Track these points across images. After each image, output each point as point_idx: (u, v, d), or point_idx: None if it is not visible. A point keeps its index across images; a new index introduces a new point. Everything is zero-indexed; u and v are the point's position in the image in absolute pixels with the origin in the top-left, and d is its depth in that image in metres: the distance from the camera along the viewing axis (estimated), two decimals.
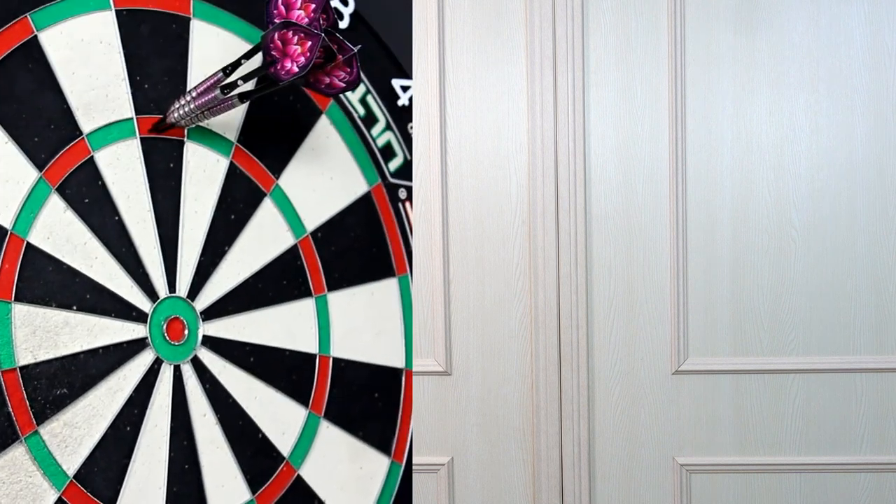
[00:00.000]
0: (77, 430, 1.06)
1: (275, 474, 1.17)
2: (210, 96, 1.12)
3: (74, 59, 1.11)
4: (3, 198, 1.05)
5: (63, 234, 1.08)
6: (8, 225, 1.05)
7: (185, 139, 1.16)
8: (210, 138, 1.18)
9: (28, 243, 1.06)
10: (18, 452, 1.04)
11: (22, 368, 1.04)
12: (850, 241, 1.59)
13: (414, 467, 1.66)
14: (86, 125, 1.11)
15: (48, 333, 1.06)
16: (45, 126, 1.09)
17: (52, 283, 1.06)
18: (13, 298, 1.05)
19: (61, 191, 1.08)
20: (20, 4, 1.10)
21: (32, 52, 1.09)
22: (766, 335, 1.61)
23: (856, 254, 1.59)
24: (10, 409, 1.03)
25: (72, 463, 1.06)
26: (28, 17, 1.09)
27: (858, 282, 1.59)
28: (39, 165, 1.07)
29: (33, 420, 1.04)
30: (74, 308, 1.07)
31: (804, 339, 1.60)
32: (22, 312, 1.05)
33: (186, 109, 1.13)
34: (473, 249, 1.62)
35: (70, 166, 1.09)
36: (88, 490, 1.06)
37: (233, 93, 1.12)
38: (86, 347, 1.07)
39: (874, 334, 1.60)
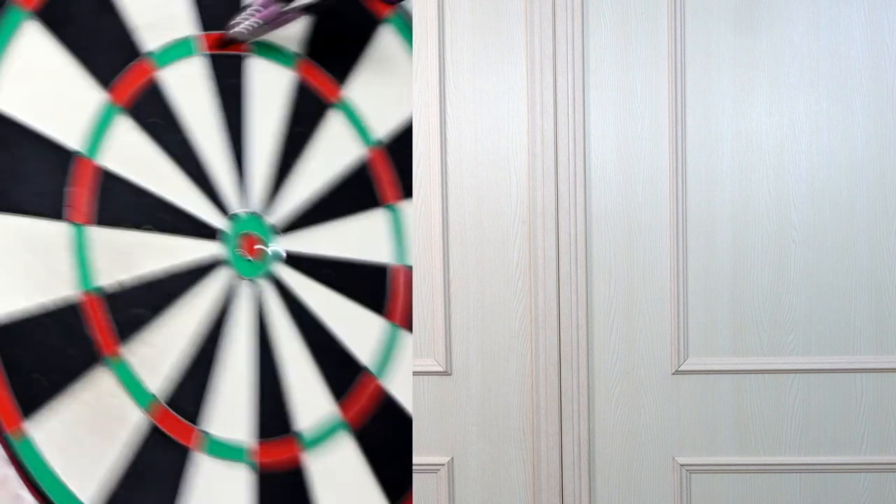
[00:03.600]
0: (158, 349, 1.06)
1: (358, 385, 1.16)
2: (272, 9, 1.11)
3: None
4: (70, 121, 1.04)
5: (132, 155, 1.06)
6: (78, 147, 1.04)
7: (249, 54, 1.15)
8: (273, 52, 1.16)
9: (98, 165, 1.05)
10: (103, 373, 1.04)
11: (100, 290, 1.04)
12: (850, 241, 1.59)
13: (414, 467, 1.66)
14: (149, 44, 1.10)
15: (123, 254, 1.05)
16: (108, 47, 1.07)
17: (125, 205, 1.06)
18: (88, 221, 1.04)
19: (127, 111, 1.07)
20: None
21: None
22: (766, 335, 1.61)
23: (856, 254, 1.59)
24: (92, 331, 1.04)
25: (155, 382, 1.06)
26: None
27: (858, 282, 1.59)
28: (105, 87, 1.06)
29: (116, 341, 1.04)
30: (149, 228, 1.06)
31: (804, 339, 1.60)
32: (97, 234, 1.04)
33: (248, 24, 1.11)
34: (473, 250, 1.62)
35: (134, 86, 1.07)
36: (173, 408, 1.06)
37: (293, 4, 1.11)
38: (163, 266, 1.06)
39: (874, 334, 1.60)
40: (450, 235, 1.62)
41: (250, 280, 1.12)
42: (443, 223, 1.61)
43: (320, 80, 1.18)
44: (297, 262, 1.14)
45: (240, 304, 1.11)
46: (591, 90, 1.59)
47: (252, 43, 1.15)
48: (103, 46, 1.08)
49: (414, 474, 1.66)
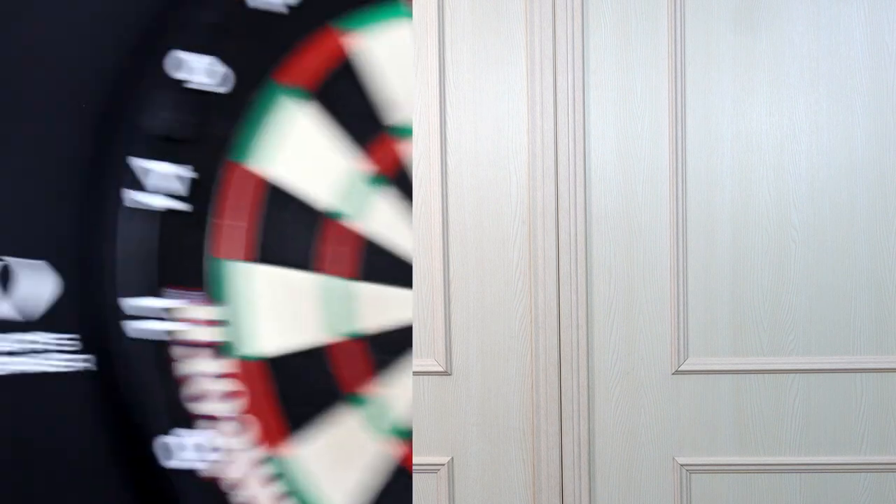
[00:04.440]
0: (396, 389, 1.15)
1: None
2: None
3: None
4: (332, 186, 1.13)
5: (390, 221, 1.14)
6: (347, 209, 1.13)
7: None
8: None
9: (363, 231, 1.14)
10: (347, 409, 1.13)
11: (354, 335, 1.13)
12: (850, 241, 1.59)
13: (414, 467, 1.66)
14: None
15: (377, 307, 1.14)
16: (362, 121, 1.16)
17: (382, 265, 1.14)
18: (347, 275, 1.13)
19: (391, 180, 1.14)
20: None
21: None
22: (766, 335, 1.61)
23: (856, 254, 1.59)
24: (340, 370, 1.12)
25: (393, 418, 1.15)
26: None
27: (858, 282, 1.59)
28: (368, 157, 1.14)
29: (365, 379, 1.13)
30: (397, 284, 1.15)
31: (804, 339, 1.60)
32: (353, 288, 1.13)
33: None
34: (473, 250, 1.62)
35: (394, 157, 1.16)
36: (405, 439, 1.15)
37: None
38: (402, 320, 1.16)
39: (874, 334, 1.60)
40: (450, 235, 1.62)
41: None
42: (443, 223, 1.61)
43: None
44: None
45: None
46: (591, 90, 1.59)
47: None
48: (362, 121, 1.16)
49: (414, 474, 1.66)
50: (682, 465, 1.63)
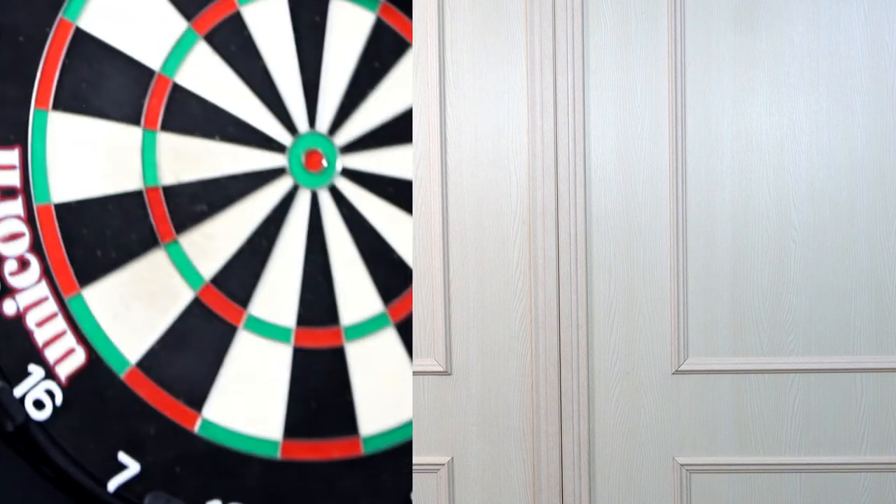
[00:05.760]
0: (214, 240, 1.22)
1: (407, 290, 1.25)
2: None
3: None
4: (154, 45, 1.21)
5: (209, 76, 1.22)
6: (156, 67, 1.21)
7: None
8: None
9: (174, 83, 1.21)
10: (159, 255, 1.21)
11: (165, 188, 1.21)
12: (850, 241, 1.59)
13: (414, 467, 1.66)
14: None
15: (191, 159, 1.22)
16: None
17: (196, 117, 1.22)
18: (159, 128, 1.21)
19: (209, 39, 1.22)
20: None
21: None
22: (766, 335, 1.61)
23: (856, 254, 1.59)
24: (152, 221, 1.21)
25: (209, 268, 1.22)
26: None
27: (858, 282, 1.59)
28: (188, 16, 1.21)
29: (173, 230, 1.22)
30: (217, 137, 1.22)
31: (804, 339, 1.60)
32: (167, 140, 1.21)
33: None
34: (473, 250, 1.62)
35: (217, 18, 1.22)
36: (222, 290, 1.22)
37: None
38: (226, 173, 1.22)
39: (874, 334, 1.60)
40: (450, 235, 1.62)
41: (311, 189, 1.24)
42: (443, 223, 1.61)
43: (402, 24, 1.29)
44: (361, 178, 1.26)
45: (298, 209, 1.24)
46: (591, 90, 1.59)
47: None
48: None
49: (414, 474, 1.66)
50: (682, 465, 1.63)
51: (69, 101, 1.21)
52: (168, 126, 1.22)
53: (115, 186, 1.21)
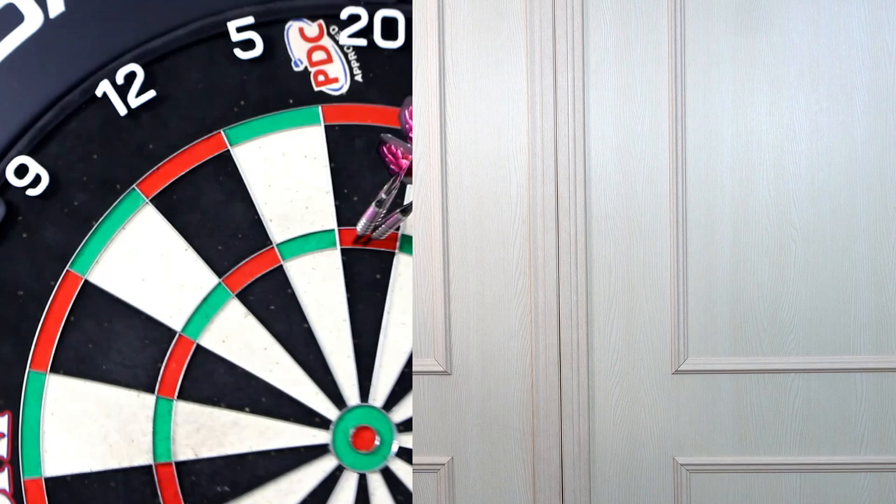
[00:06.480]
0: None
1: None
2: (370, 212, 1.12)
3: (271, 171, 1.12)
4: (178, 302, 1.08)
5: (241, 339, 1.09)
6: (178, 328, 1.08)
7: (398, 251, 1.14)
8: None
9: (198, 345, 1.08)
10: None
11: (179, 464, 1.07)
12: (850, 241, 1.59)
13: (414, 467, 1.66)
14: (278, 235, 1.11)
15: (213, 432, 1.07)
16: (231, 235, 1.10)
17: (222, 385, 1.08)
18: (176, 396, 1.07)
19: (242, 297, 1.10)
20: (216, 121, 1.13)
21: (226, 166, 1.12)
22: (766, 335, 1.61)
23: (856, 253, 1.59)
24: (162, 501, 1.06)
25: None
26: (222, 132, 1.13)
27: (858, 282, 1.59)
28: (220, 272, 1.10)
29: None
30: (246, 409, 1.08)
31: (804, 339, 1.60)
32: (186, 410, 1.07)
33: (375, 223, 1.12)
34: (473, 249, 1.62)
35: (255, 274, 1.10)
36: None
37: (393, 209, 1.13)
38: (255, 448, 1.07)
39: (874, 334, 1.60)
40: (450, 235, 1.62)
41: (359, 472, 1.08)
42: (443, 223, 1.61)
43: None
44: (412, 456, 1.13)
45: (342, 495, 1.08)
46: (591, 90, 1.59)
47: (403, 241, 1.14)
48: (227, 234, 1.11)
49: (414, 474, 1.66)
50: (682, 465, 1.63)
51: (71, 363, 1.08)
52: (187, 394, 1.07)
53: (119, 460, 1.06)
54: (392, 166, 1.10)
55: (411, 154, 1.11)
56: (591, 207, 1.60)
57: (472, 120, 1.60)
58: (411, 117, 1.12)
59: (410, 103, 1.10)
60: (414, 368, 1.64)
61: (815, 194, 1.58)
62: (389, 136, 1.10)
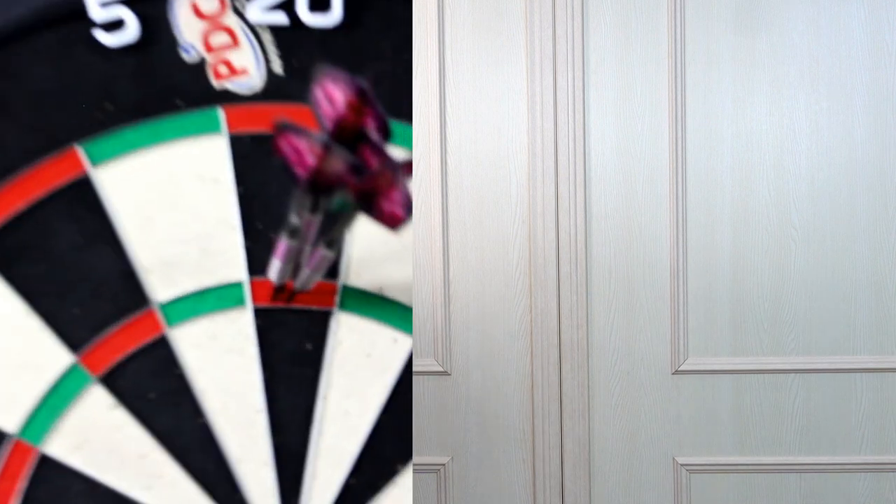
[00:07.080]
0: None
1: None
2: (286, 246, 0.80)
3: (151, 201, 0.83)
4: (12, 393, 0.77)
5: (105, 443, 0.78)
6: (12, 430, 0.77)
7: (336, 309, 0.83)
8: (378, 308, 0.83)
9: (43, 455, 0.77)
10: None
11: None
12: (850, 241, 1.59)
13: (414, 467, 1.66)
14: (160, 292, 0.82)
15: None
16: (92, 294, 0.81)
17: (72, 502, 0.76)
18: None
19: (109, 381, 0.79)
20: (70, 133, 0.79)
21: (84, 195, 0.81)
22: (766, 335, 1.61)
23: (856, 254, 1.59)
24: None
25: None
26: (79, 148, 0.80)
27: (858, 282, 1.59)
28: (75, 346, 0.79)
29: None
30: None
31: (804, 339, 1.60)
32: None
33: (295, 263, 0.81)
34: (473, 250, 1.62)
35: (126, 349, 0.80)
36: None
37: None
38: None
39: (874, 334, 1.60)
40: (450, 235, 1.62)
41: None
42: (443, 223, 1.61)
43: None
44: None
45: None
46: (591, 90, 1.59)
47: (344, 293, 0.83)
48: (86, 293, 0.81)
49: (414, 474, 1.66)
50: (682, 465, 1.63)
51: None
52: None
53: None
54: (297, 168, 0.76)
55: (327, 149, 0.75)
56: (591, 207, 1.60)
57: (472, 120, 1.60)
58: (328, 98, 0.77)
59: (329, 76, 0.77)
60: (414, 368, 1.64)
61: (815, 194, 1.58)
62: (287, 122, 0.76)
